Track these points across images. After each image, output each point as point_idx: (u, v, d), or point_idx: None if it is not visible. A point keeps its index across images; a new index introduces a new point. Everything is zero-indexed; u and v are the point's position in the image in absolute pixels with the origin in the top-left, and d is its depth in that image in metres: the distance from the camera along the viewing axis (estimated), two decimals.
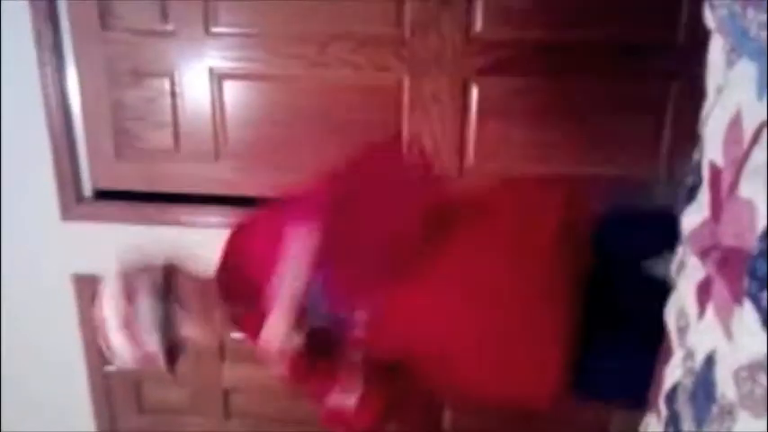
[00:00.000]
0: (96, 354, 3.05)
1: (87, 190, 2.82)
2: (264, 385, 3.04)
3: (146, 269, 1.59)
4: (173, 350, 1.62)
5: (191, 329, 1.59)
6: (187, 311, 1.57)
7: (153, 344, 1.54)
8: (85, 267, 2.90)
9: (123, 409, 3.19)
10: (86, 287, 2.93)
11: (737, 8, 1.03)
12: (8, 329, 3.06)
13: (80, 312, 2.98)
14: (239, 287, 1.65)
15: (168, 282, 1.57)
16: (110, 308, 1.53)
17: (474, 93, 2.50)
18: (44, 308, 3.02)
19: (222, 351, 3.01)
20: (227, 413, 3.13)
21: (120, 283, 1.56)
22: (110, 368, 3.03)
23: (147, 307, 1.52)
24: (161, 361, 1.58)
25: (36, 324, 3.05)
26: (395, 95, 2.54)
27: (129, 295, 1.53)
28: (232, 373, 3.05)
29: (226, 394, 3.10)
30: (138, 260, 1.63)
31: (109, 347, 1.57)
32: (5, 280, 2.97)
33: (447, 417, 3.00)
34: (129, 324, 1.53)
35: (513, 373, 1.60)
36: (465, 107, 2.52)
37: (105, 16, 2.59)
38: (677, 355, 1.24)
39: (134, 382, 3.13)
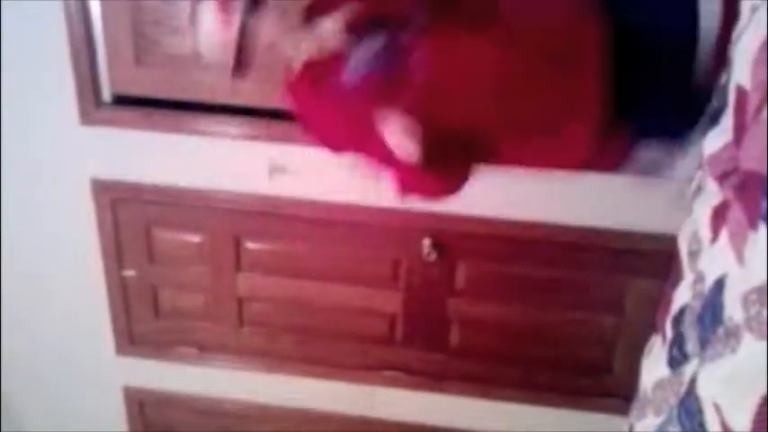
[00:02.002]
0: (114, 258, 3.11)
1: (107, 95, 2.81)
2: (278, 295, 3.11)
3: None
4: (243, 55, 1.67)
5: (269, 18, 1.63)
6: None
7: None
8: (104, 172, 2.92)
9: (139, 313, 3.26)
10: (105, 192, 2.97)
11: None
12: (27, 233, 3.12)
13: (98, 217, 3.02)
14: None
15: None
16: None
17: None
18: (63, 212, 3.06)
19: (238, 261, 3.06)
20: (241, 321, 3.21)
21: None
22: (127, 273, 3.12)
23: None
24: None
25: (55, 228, 3.09)
26: None
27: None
28: (247, 283, 3.10)
29: (240, 303, 3.17)
30: None
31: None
32: (24, 185, 3.00)
33: (453, 335, 3.06)
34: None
35: (550, 124, 1.62)
36: None
37: None
38: (687, 279, 1.25)
39: (150, 288, 3.20)
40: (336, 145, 1.81)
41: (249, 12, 1.59)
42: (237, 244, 3.03)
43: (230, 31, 1.61)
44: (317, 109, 1.73)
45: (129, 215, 3.03)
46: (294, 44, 1.70)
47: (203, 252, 3.06)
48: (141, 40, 2.66)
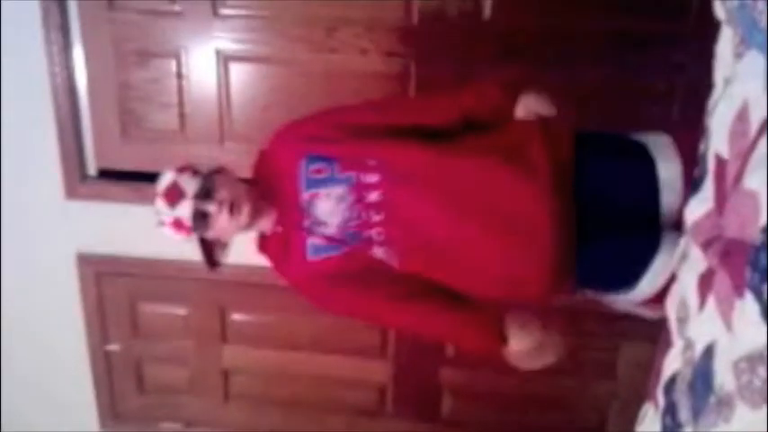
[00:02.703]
0: (98, 332, 3.07)
1: (92, 169, 2.82)
2: (264, 367, 3.07)
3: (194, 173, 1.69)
4: (212, 248, 1.74)
5: (219, 227, 1.67)
6: (220, 208, 1.64)
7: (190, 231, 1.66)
8: (89, 246, 2.91)
9: (124, 389, 3.20)
10: (89, 266, 2.95)
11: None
12: (10, 308, 3.07)
13: (82, 291, 2.99)
14: (269, 195, 1.74)
15: (213, 183, 1.66)
16: (161, 203, 1.67)
17: None
18: (46, 287, 3.03)
19: (223, 332, 3.02)
20: (227, 395, 3.15)
21: (169, 180, 1.67)
22: (111, 347, 3.07)
23: (188, 206, 1.63)
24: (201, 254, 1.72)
25: (38, 303, 3.06)
26: (401, 82, 2.53)
27: (176, 192, 1.65)
28: (232, 355, 3.06)
29: (225, 376, 3.12)
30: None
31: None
32: (8, 258, 2.98)
33: (445, 404, 3.01)
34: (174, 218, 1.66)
35: (507, 267, 1.64)
36: None
37: None
38: (677, 346, 1.24)
39: (134, 363, 3.15)
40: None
41: (199, 221, 1.64)
42: (223, 315, 3.01)
43: (187, 234, 1.68)
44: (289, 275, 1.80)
45: (113, 289, 3.00)
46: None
47: (188, 324, 3.03)
48: (127, 115, 2.69)
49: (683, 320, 1.23)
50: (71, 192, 2.82)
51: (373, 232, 1.63)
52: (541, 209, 1.58)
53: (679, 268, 1.29)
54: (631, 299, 1.70)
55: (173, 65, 2.64)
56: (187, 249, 2.80)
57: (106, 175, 2.83)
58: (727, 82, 1.10)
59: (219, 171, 1.72)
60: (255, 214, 1.70)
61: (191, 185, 1.64)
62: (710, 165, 1.13)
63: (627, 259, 1.65)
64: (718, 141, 1.09)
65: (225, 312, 3.01)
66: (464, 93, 1.73)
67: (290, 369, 3.04)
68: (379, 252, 1.64)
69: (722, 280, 1.03)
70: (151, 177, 2.72)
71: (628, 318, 2.66)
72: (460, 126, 1.69)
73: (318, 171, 1.66)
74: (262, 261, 2.77)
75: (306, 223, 1.67)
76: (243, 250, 2.75)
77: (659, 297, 1.52)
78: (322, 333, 2.94)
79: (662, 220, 1.63)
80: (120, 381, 3.19)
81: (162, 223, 1.69)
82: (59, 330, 3.09)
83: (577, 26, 2.39)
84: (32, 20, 2.60)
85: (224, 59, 2.61)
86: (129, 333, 3.08)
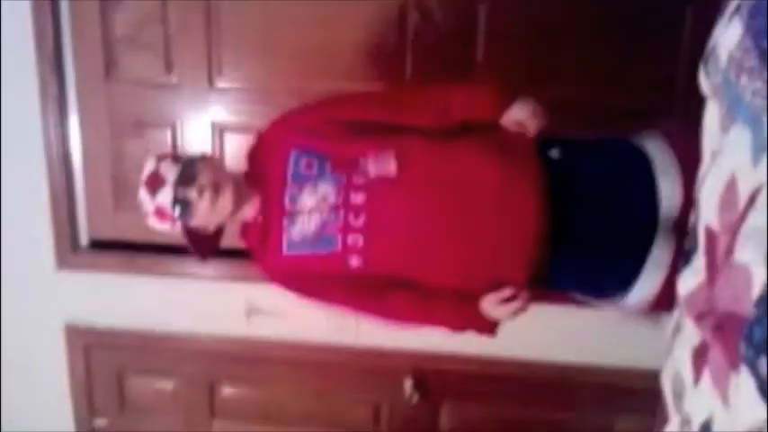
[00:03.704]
0: (85, 406, 3.00)
1: (84, 240, 2.81)
2: None
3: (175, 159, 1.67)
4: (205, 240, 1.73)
5: (202, 214, 1.64)
6: (201, 193, 1.62)
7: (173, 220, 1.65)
8: (78, 317, 2.87)
9: None
10: (78, 337, 2.90)
11: (732, 76, 1.05)
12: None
13: (70, 362, 2.94)
14: (255, 181, 1.73)
15: (194, 169, 1.64)
16: (143, 192, 1.66)
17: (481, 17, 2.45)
18: (36, 357, 2.97)
19: (212, 407, 2.96)
20: None
21: (150, 168, 1.65)
22: (98, 423, 3.00)
23: (168, 193, 1.61)
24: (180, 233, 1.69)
25: (27, 373, 2.99)
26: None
27: (157, 180, 1.63)
28: (221, 430, 2.99)
29: None
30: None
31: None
32: None
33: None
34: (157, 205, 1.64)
35: (490, 266, 1.65)
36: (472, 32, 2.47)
37: (110, 67, 2.62)
38: (674, 422, 1.22)
39: None
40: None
41: (181, 208, 1.63)
42: (212, 390, 2.95)
43: (171, 223, 1.66)
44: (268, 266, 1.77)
45: (101, 361, 2.95)
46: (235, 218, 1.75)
47: (177, 399, 2.96)
48: (121, 185, 2.69)
49: (678, 394, 1.21)
50: (62, 262, 2.80)
51: (350, 238, 1.62)
52: (529, 204, 1.58)
53: (673, 340, 1.27)
54: (626, 305, 1.69)
55: (168, 136, 2.66)
56: (178, 320, 2.80)
57: (98, 245, 2.82)
58: (715, 155, 1.11)
59: (203, 158, 1.71)
60: (239, 200, 1.68)
61: (171, 172, 1.62)
62: (701, 237, 1.13)
63: (617, 269, 1.65)
64: (707, 214, 1.10)
65: (214, 386, 2.95)
66: (458, 96, 1.71)
67: None
68: (353, 262, 1.63)
69: (716, 354, 1.01)
70: (143, 247, 2.74)
71: (624, 390, 2.63)
72: (453, 124, 1.69)
73: (308, 166, 1.65)
74: (251, 332, 2.76)
75: (286, 217, 1.65)
76: (231, 324, 2.75)
77: (660, 302, 1.54)
78: (313, 408, 2.88)
79: (659, 223, 1.62)
80: None
81: (147, 213, 1.67)
82: (46, 402, 3.02)
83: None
84: (30, 89, 2.63)
85: (219, 130, 2.64)
86: (117, 407, 3.01)
